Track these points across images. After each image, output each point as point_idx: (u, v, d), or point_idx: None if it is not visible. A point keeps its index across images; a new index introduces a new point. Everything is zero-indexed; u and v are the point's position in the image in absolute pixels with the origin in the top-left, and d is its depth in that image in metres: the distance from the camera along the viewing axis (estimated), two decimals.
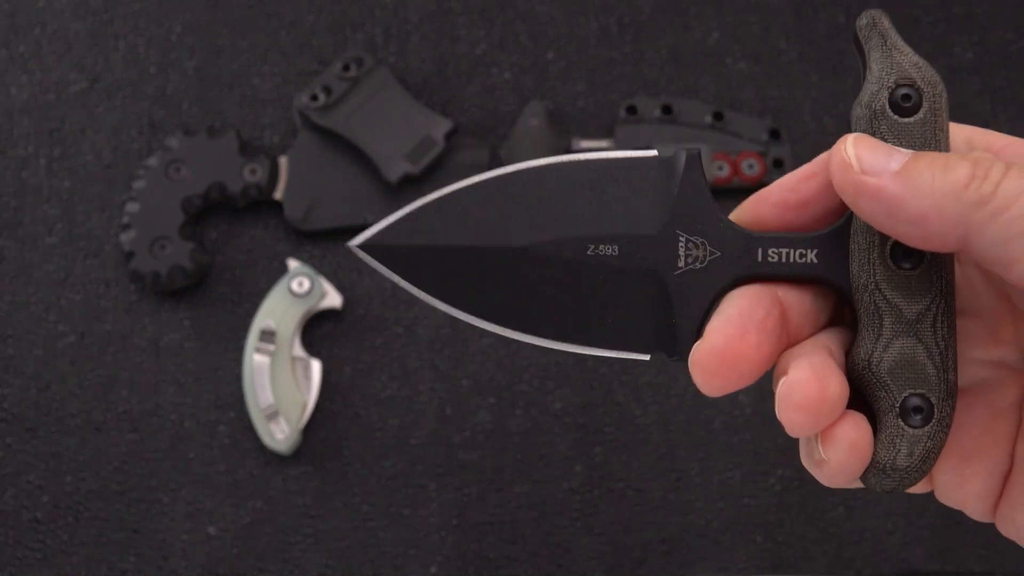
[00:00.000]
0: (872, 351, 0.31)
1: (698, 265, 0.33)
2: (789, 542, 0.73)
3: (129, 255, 0.76)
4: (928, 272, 0.31)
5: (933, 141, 0.31)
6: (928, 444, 0.31)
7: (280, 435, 0.73)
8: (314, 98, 0.79)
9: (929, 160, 0.29)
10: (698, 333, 0.32)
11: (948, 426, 0.31)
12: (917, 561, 0.72)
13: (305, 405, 0.74)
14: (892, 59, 0.32)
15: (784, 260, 0.32)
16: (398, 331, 0.77)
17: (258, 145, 0.81)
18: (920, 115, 0.31)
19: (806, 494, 0.73)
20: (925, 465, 0.31)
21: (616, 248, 0.33)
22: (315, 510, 0.73)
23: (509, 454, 0.74)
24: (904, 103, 0.31)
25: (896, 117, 0.31)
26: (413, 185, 0.79)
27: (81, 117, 0.82)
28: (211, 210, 0.80)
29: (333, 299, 0.76)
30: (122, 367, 0.76)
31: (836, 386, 0.30)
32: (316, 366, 0.75)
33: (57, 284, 0.78)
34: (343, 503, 0.74)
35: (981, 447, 0.32)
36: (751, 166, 0.78)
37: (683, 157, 0.33)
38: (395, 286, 0.77)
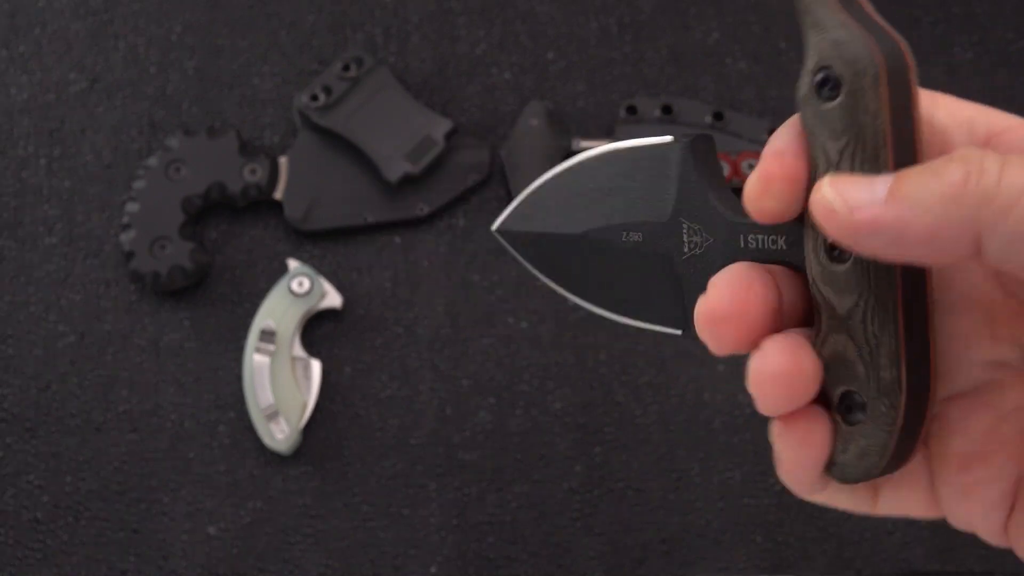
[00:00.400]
0: (815, 343, 0.31)
1: (698, 251, 0.34)
2: (789, 542, 0.73)
3: (129, 255, 0.76)
4: (855, 268, 0.30)
5: (854, 125, 0.29)
6: (863, 442, 0.31)
7: (280, 435, 0.73)
8: (314, 98, 0.79)
9: (915, 173, 0.27)
10: None
11: (890, 425, 0.30)
12: (917, 561, 0.72)
13: (305, 405, 0.74)
14: (812, 40, 0.30)
15: (760, 246, 0.32)
16: (398, 331, 0.77)
17: (258, 145, 0.81)
18: (840, 99, 0.29)
19: None
20: (863, 462, 0.31)
21: (640, 235, 0.35)
22: (315, 510, 0.74)
23: (509, 454, 0.75)
24: (824, 88, 0.30)
25: (819, 103, 0.30)
26: (413, 185, 0.79)
27: (81, 117, 0.82)
28: (211, 210, 0.80)
29: (333, 299, 0.76)
30: (122, 367, 0.76)
31: (810, 362, 0.30)
32: (316, 366, 0.75)
33: (57, 284, 0.78)
34: (343, 503, 0.74)
35: (984, 453, 0.31)
36: (751, 166, 0.78)
37: (679, 148, 0.34)
38: (395, 286, 0.78)
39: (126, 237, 0.77)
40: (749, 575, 0.72)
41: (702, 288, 0.33)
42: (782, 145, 0.31)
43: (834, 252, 0.30)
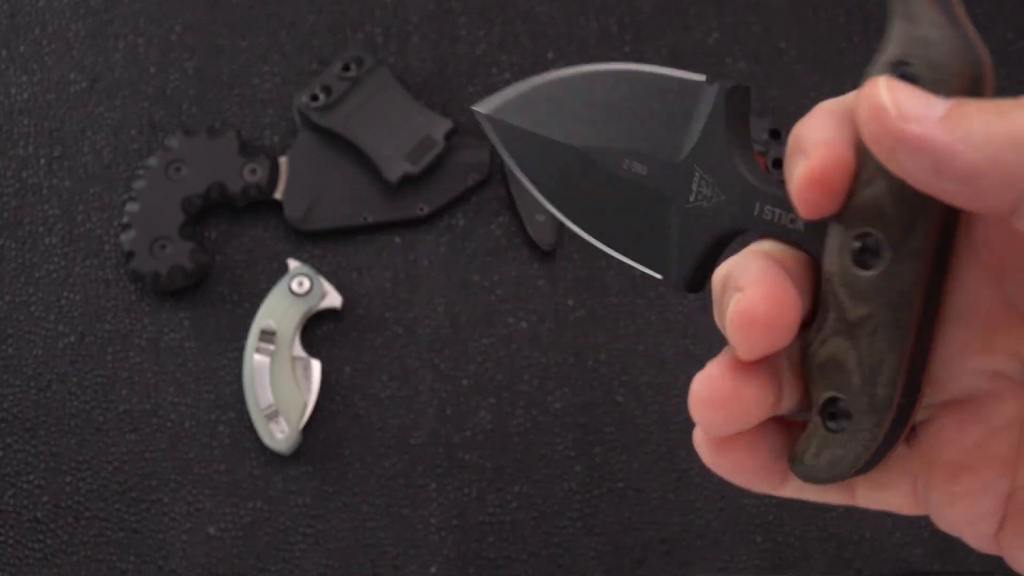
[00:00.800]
0: (813, 341, 0.30)
1: (705, 204, 0.32)
2: (789, 542, 0.73)
3: (129, 255, 0.76)
4: (881, 279, 0.28)
5: None
6: (839, 451, 0.30)
7: (280, 435, 0.73)
8: (314, 98, 0.79)
9: (978, 105, 0.25)
10: (692, 272, 0.33)
11: (872, 442, 0.29)
12: (917, 561, 0.72)
13: (305, 405, 0.74)
14: (899, 29, 0.27)
15: (775, 219, 0.31)
16: (398, 331, 0.77)
17: (258, 145, 0.81)
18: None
19: None
20: (835, 470, 0.30)
21: (645, 168, 0.33)
22: (315, 510, 0.74)
23: (509, 454, 0.75)
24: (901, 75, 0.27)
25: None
26: (413, 185, 0.79)
27: (81, 117, 0.82)
28: (211, 210, 0.80)
29: (333, 299, 0.76)
30: (122, 367, 0.76)
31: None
32: (316, 366, 0.75)
33: (57, 284, 0.78)
34: (343, 503, 0.74)
35: (973, 464, 0.30)
36: None
37: (715, 92, 0.32)
38: (395, 286, 0.78)
39: (126, 237, 0.77)
40: (749, 575, 0.72)
41: (699, 243, 0.32)
42: (829, 135, 0.28)
43: (863, 256, 0.28)
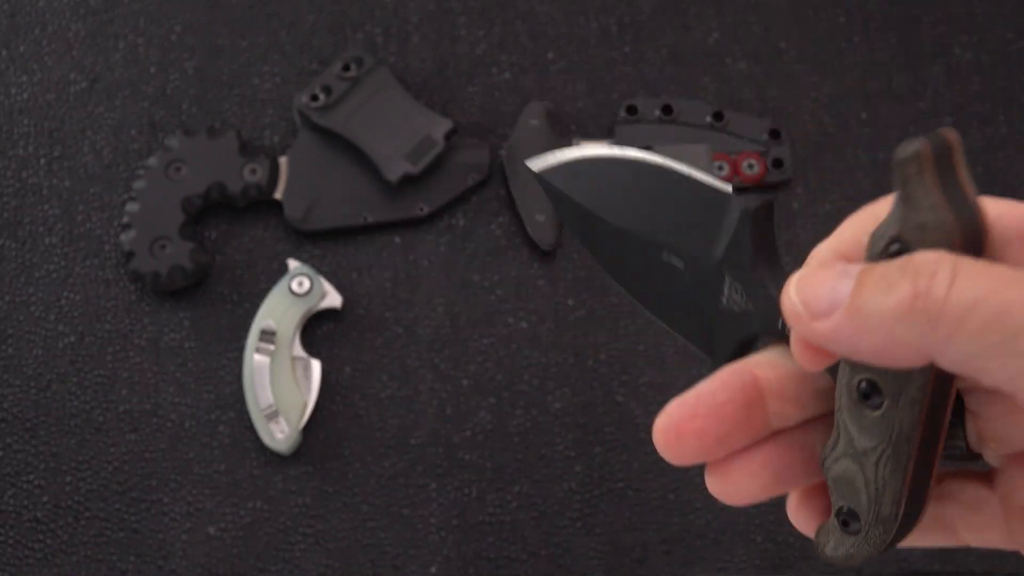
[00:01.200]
0: (826, 457, 0.32)
1: (735, 309, 0.34)
2: (789, 542, 0.73)
3: (129, 255, 0.76)
4: (883, 419, 0.30)
5: None
6: (851, 550, 0.32)
7: (280, 435, 0.73)
8: (314, 98, 0.79)
9: (873, 282, 0.27)
10: (730, 362, 0.35)
11: (881, 545, 0.32)
12: (917, 561, 0.72)
13: (305, 405, 0.74)
14: (899, 210, 0.28)
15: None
16: (398, 331, 0.77)
17: (258, 145, 0.81)
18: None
19: None
20: (850, 562, 0.33)
21: (682, 263, 0.35)
22: (315, 510, 0.74)
23: (509, 454, 0.75)
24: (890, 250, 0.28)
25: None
26: (413, 185, 0.79)
27: (81, 117, 0.82)
28: (211, 210, 0.80)
29: (333, 299, 0.76)
30: (122, 367, 0.76)
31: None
32: (316, 366, 0.75)
33: (57, 284, 0.78)
34: (343, 503, 0.74)
35: None
36: (751, 166, 0.78)
37: (739, 210, 0.34)
38: (395, 286, 0.78)
39: (126, 237, 0.77)
40: (749, 575, 0.72)
41: (731, 343, 0.34)
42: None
43: (867, 397, 0.30)
